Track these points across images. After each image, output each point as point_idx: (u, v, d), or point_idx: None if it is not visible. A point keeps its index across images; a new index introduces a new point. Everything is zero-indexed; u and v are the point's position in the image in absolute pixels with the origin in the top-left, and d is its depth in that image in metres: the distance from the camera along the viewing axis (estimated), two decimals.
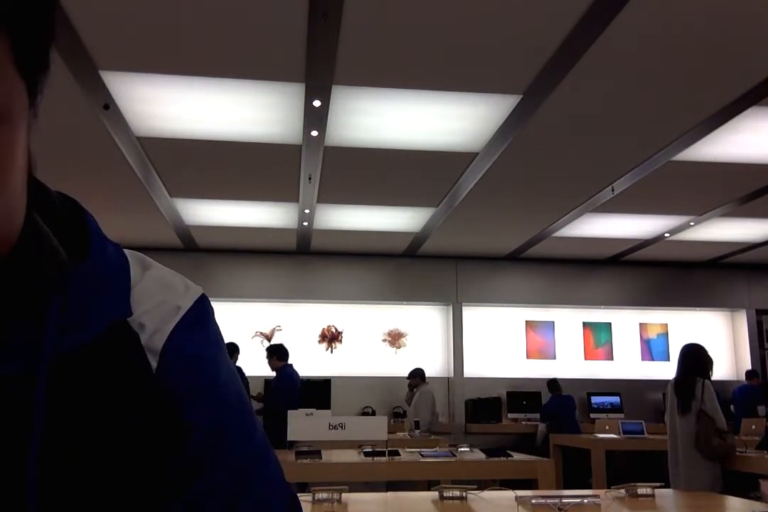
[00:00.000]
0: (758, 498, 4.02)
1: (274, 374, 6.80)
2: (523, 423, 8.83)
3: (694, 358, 4.61)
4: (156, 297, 0.55)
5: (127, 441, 0.48)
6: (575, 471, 6.96)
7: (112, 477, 0.47)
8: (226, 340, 0.63)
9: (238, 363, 7.35)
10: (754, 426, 6.04)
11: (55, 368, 0.46)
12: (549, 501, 2.71)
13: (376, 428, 4.28)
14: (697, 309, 9.86)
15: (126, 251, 0.57)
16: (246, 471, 0.55)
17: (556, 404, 8.11)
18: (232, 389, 0.57)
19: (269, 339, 8.88)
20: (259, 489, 0.55)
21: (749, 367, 9.43)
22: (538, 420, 8.80)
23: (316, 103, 4.45)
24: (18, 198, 0.44)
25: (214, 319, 0.59)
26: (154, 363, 0.52)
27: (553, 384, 8.37)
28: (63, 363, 0.47)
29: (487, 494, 3.01)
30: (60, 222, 0.52)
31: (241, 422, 0.56)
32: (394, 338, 9.29)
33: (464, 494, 2.94)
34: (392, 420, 8.09)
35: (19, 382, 0.45)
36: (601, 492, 2.99)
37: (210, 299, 0.61)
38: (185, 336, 0.54)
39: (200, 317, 0.57)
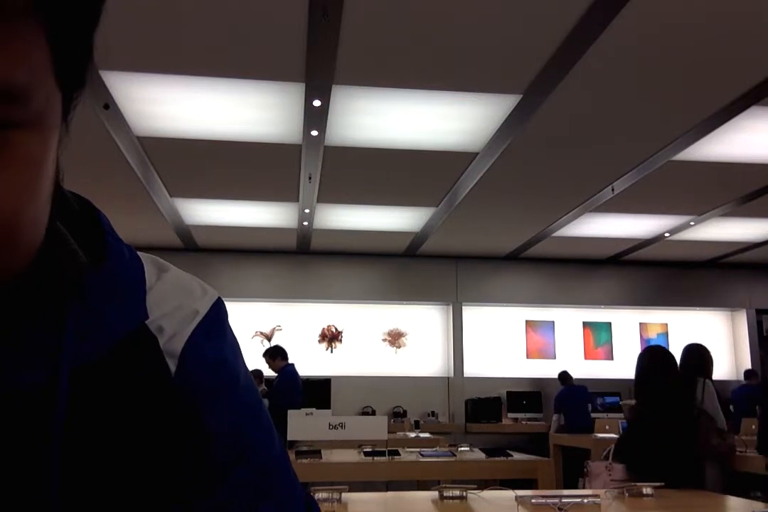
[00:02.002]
0: (758, 498, 4.02)
1: (275, 374, 6.80)
2: (523, 422, 8.83)
3: (696, 358, 4.61)
4: (173, 301, 0.54)
5: (149, 446, 0.48)
6: (575, 471, 6.95)
7: (135, 484, 0.47)
8: None
9: None
10: (754, 426, 6.04)
11: (75, 374, 0.45)
12: (549, 501, 2.71)
13: (376, 428, 4.28)
14: (697, 309, 9.86)
15: (140, 254, 0.56)
16: (268, 472, 0.55)
17: (567, 395, 8.03)
18: (250, 392, 0.57)
19: (269, 339, 8.88)
20: (281, 489, 0.56)
21: (749, 367, 9.43)
22: (542, 418, 8.80)
23: (316, 103, 4.45)
24: (44, 209, 0.43)
25: (229, 323, 0.59)
26: (173, 367, 0.51)
27: (563, 375, 8.33)
28: (82, 369, 0.46)
29: (487, 494, 3.01)
30: (76, 223, 0.52)
31: (261, 424, 0.57)
32: (394, 338, 9.29)
33: (464, 494, 2.94)
34: (392, 420, 8.10)
35: (39, 390, 0.44)
36: (601, 492, 2.99)
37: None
38: (204, 340, 0.54)
39: (218, 321, 0.57)
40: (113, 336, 0.49)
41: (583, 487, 3.71)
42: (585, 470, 3.71)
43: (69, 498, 0.44)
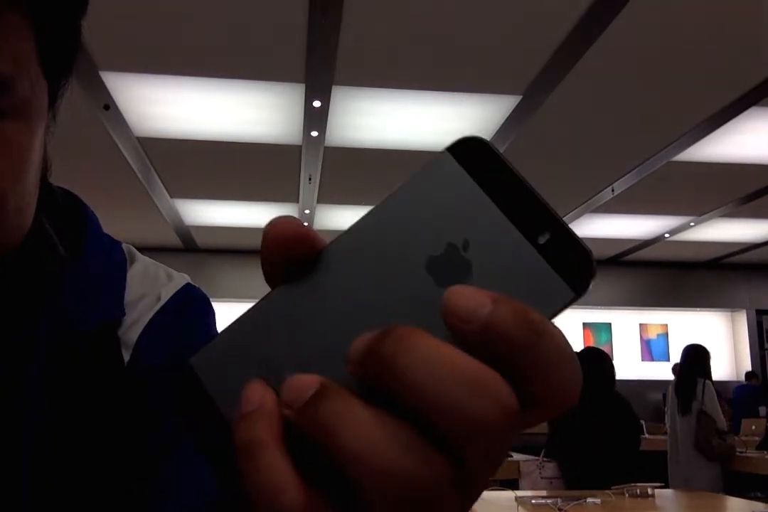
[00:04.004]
0: (758, 499, 4.03)
1: None
2: None
3: (696, 359, 4.61)
4: (137, 290, 0.54)
5: (106, 432, 0.49)
6: None
7: (97, 467, 0.48)
8: None
9: None
10: (754, 427, 6.04)
11: (45, 364, 0.46)
12: (549, 501, 2.71)
13: None
14: (697, 309, 9.86)
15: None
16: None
17: None
18: None
19: None
20: None
21: (749, 368, 9.42)
22: None
23: (316, 104, 4.45)
24: (31, 196, 0.44)
25: (200, 307, 0.58)
26: (126, 357, 0.51)
27: None
28: (51, 359, 0.47)
29: (487, 494, 3.01)
30: (59, 217, 0.52)
31: None
32: None
33: None
34: None
35: (11, 379, 0.45)
36: (601, 492, 2.99)
37: (210, 299, 0.60)
38: (161, 329, 0.53)
39: (181, 306, 0.56)
40: (86, 329, 0.49)
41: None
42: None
43: (39, 477, 0.45)
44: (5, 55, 0.39)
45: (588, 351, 4.09)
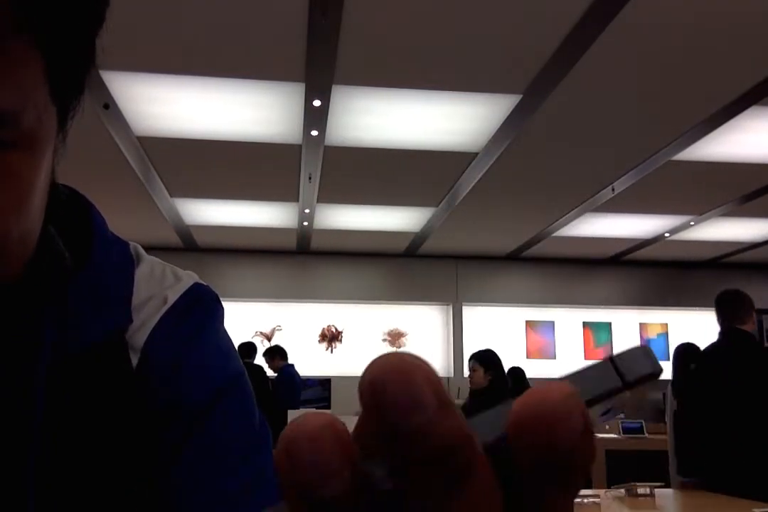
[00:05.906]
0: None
1: (274, 374, 6.81)
2: None
3: (693, 357, 4.61)
4: (144, 293, 0.53)
5: (116, 438, 0.48)
6: None
7: (107, 473, 0.47)
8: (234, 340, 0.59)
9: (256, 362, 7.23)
10: None
11: (51, 372, 0.46)
12: None
13: None
14: (697, 308, 9.85)
15: None
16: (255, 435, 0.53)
17: None
18: (214, 376, 0.54)
19: (269, 339, 8.88)
20: (247, 474, 0.52)
21: None
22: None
23: (316, 103, 4.45)
24: (35, 222, 0.43)
25: (209, 307, 0.57)
26: (134, 361, 0.50)
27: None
28: (59, 367, 0.46)
29: None
30: (64, 218, 0.51)
31: (227, 408, 0.54)
32: (394, 338, 9.29)
33: None
34: None
35: (18, 389, 0.45)
36: (601, 492, 2.99)
37: (219, 297, 0.60)
38: (169, 331, 0.52)
39: (189, 307, 0.55)
40: (93, 338, 0.48)
41: None
42: None
43: (46, 489, 0.44)
44: (10, 89, 0.37)
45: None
